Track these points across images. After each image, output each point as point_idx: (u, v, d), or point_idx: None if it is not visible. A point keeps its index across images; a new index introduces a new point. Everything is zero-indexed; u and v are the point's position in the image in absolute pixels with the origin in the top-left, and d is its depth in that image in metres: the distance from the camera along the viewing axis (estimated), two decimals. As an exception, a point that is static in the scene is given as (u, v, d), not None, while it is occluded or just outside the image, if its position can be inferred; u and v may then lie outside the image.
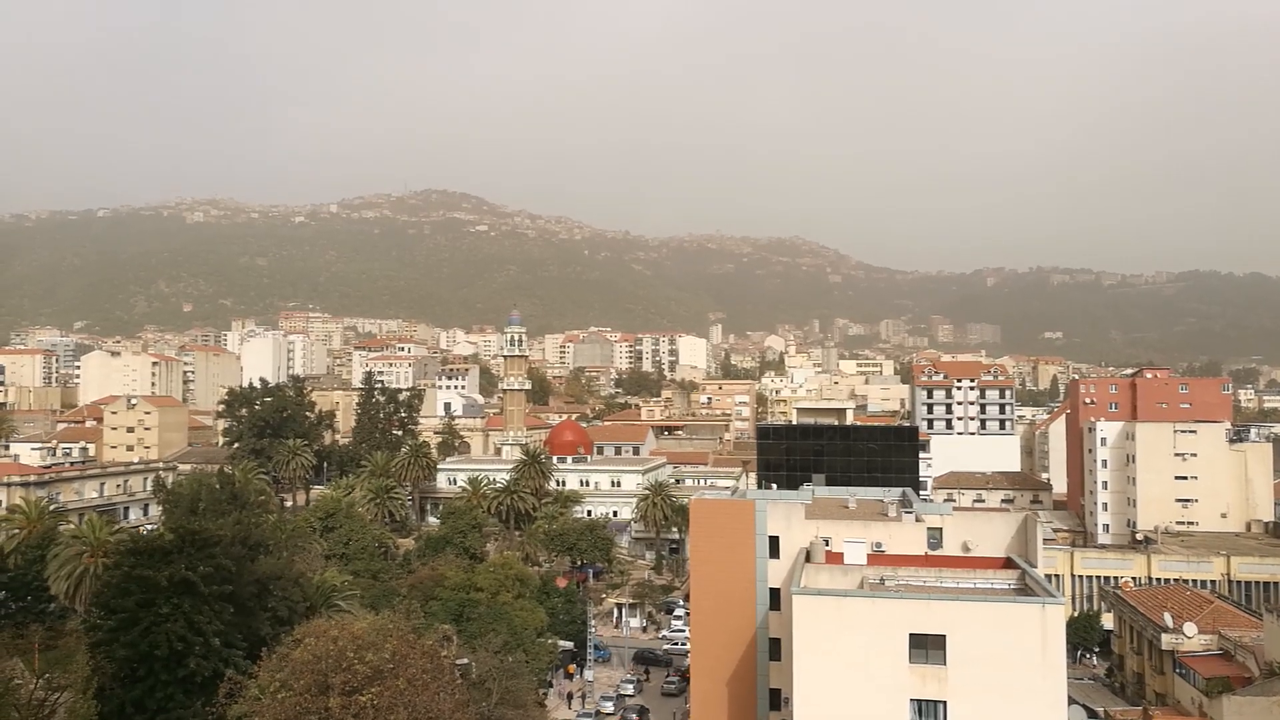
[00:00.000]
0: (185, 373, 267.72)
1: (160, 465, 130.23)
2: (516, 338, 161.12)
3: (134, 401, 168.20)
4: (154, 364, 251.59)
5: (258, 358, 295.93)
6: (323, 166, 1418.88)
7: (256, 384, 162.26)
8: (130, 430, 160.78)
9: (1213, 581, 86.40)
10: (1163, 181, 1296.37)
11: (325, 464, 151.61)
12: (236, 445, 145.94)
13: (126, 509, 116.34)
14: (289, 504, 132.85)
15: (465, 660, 56.08)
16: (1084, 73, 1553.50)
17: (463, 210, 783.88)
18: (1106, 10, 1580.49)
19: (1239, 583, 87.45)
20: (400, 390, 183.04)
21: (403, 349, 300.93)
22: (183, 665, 46.18)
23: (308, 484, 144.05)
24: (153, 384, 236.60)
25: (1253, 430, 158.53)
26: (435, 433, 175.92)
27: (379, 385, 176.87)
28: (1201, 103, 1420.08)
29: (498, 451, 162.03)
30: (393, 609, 58.90)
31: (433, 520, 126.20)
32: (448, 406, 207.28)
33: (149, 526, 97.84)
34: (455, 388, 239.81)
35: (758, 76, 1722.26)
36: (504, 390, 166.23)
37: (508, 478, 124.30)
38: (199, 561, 49.40)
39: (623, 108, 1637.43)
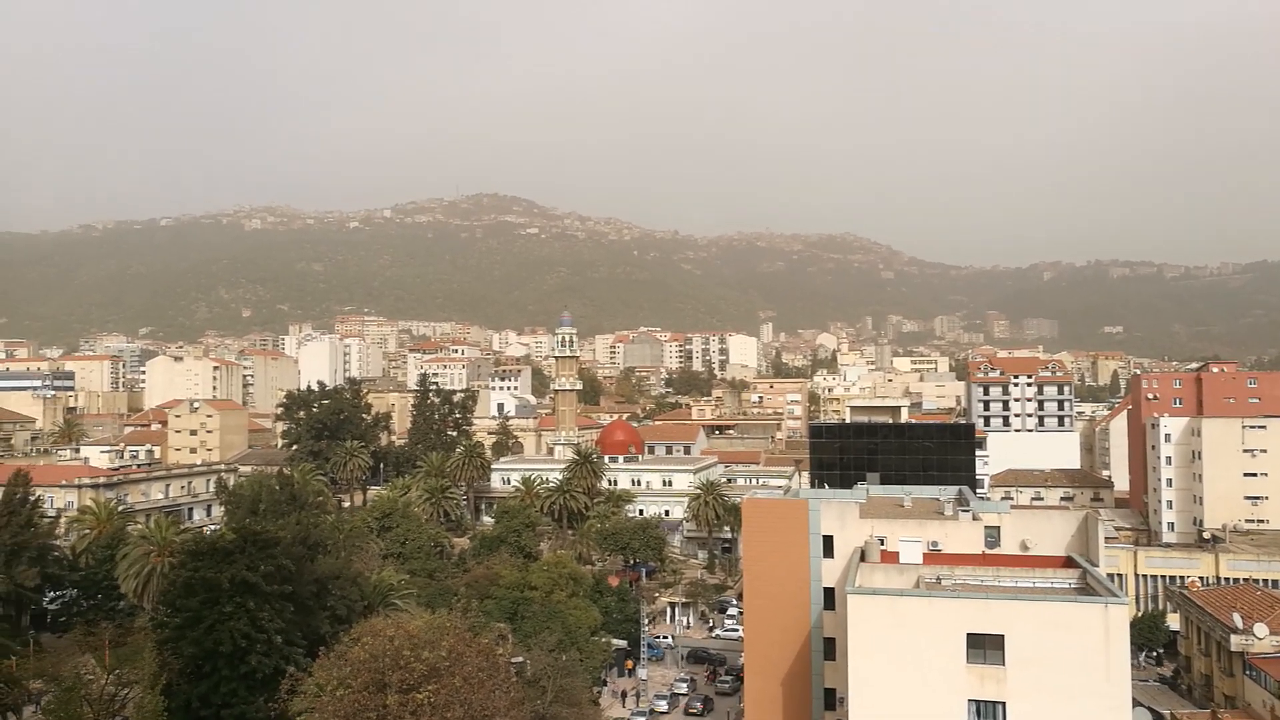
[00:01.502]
0: (245, 376, 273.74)
1: (222, 467, 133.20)
2: (567, 339, 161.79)
3: (196, 405, 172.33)
4: (215, 368, 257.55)
5: (315, 361, 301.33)
6: (375, 172, 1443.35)
7: (314, 387, 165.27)
8: (193, 433, 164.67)
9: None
10: (1225, 167, 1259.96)
11: (382, 465, 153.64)
12: (295, 447, 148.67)
13: (190, 510, 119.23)
14: (346, 504, 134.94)
15: (520, 658, 56.47)
16: (1140, 53, 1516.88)
17: (513, 213, 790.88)
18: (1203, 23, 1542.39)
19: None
20: (454, 391, 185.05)
21: (456, 351, 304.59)
22: (245, 662, 47.27)
23: (364, 485, 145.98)
24: (214, 388, 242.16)
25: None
26: (489, 433, 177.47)
27: (433, 387, 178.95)
28: (1260, 83, 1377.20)
29: (550, 451, 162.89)
30: (449, 608, 59.60)
31: (487, 520, 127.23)
32: (500, 407, 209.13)
33: (212, 526, 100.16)
34: (508, 388, 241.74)
35: (800, 71, 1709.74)
36: (555, 391, 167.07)
37: (560, 477, 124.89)
38: (260, 561, 50.51)
39: (670, 106, 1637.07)
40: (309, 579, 55.01)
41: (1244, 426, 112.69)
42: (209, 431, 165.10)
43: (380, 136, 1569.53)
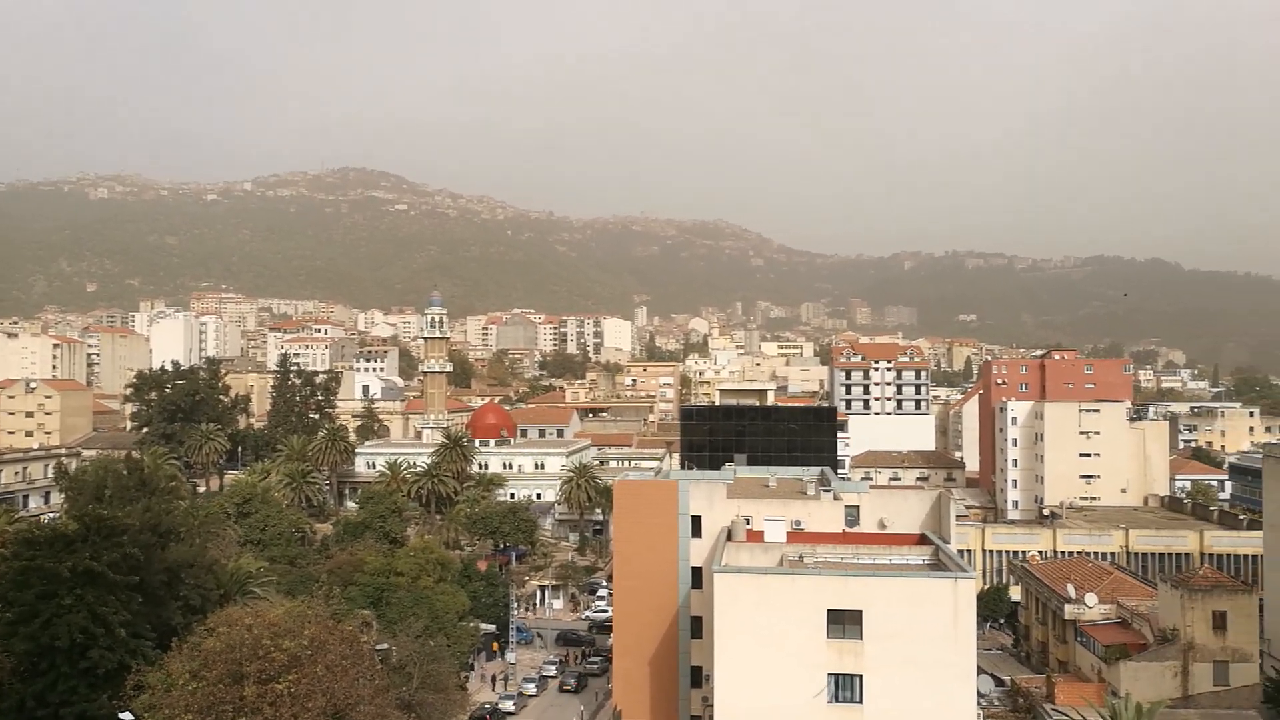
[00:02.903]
0: (89, 355, 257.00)
1: (63, 451, 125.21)
2: (437, 319, 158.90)
3: (33, 385, 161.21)
4: (55, 346, 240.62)
5: (168, 340, 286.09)
6: (235, 142, 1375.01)
7: (167, 367, 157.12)
8: (29, 415, 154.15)
9: (1112, 554, 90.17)
10: (1072, 172, 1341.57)
11: (240, 448, 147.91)
12: (146, 430, 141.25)
13: (26, 497, 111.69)
14: (202, 490, 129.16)
15: (385, 645, 55.44)
16: (998, 59, 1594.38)
17: (382, 189, 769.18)
18: (1032, 14, 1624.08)
19: (1136, 554, 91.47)
20: (317, 373, 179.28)
21: (319, 331, 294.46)
22: (86, 658, 44.59)
23: (221, 469, 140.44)
24: (54, 367, 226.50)
25: (1151, 409, 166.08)
26: (353, 416, 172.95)
27: (295, 368, 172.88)
28: (1108, 104, 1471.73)
29: (418, 435, 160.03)
30: (311, 595, 57.81)
31: (351, 505, 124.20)
32: (366, 389, 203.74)
33: (50, 515, 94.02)
34: (374, 370, 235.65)
35: (684, 60, 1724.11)
36: (424, 373, 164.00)
37: (428, 461, 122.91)
38: (104, 550, 47.64)
39: (547, 88, 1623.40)
40: (159, 568, 52.25)
41: (1080, 410, 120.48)
42: (47, 413, 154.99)
43: (240, 106, 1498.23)
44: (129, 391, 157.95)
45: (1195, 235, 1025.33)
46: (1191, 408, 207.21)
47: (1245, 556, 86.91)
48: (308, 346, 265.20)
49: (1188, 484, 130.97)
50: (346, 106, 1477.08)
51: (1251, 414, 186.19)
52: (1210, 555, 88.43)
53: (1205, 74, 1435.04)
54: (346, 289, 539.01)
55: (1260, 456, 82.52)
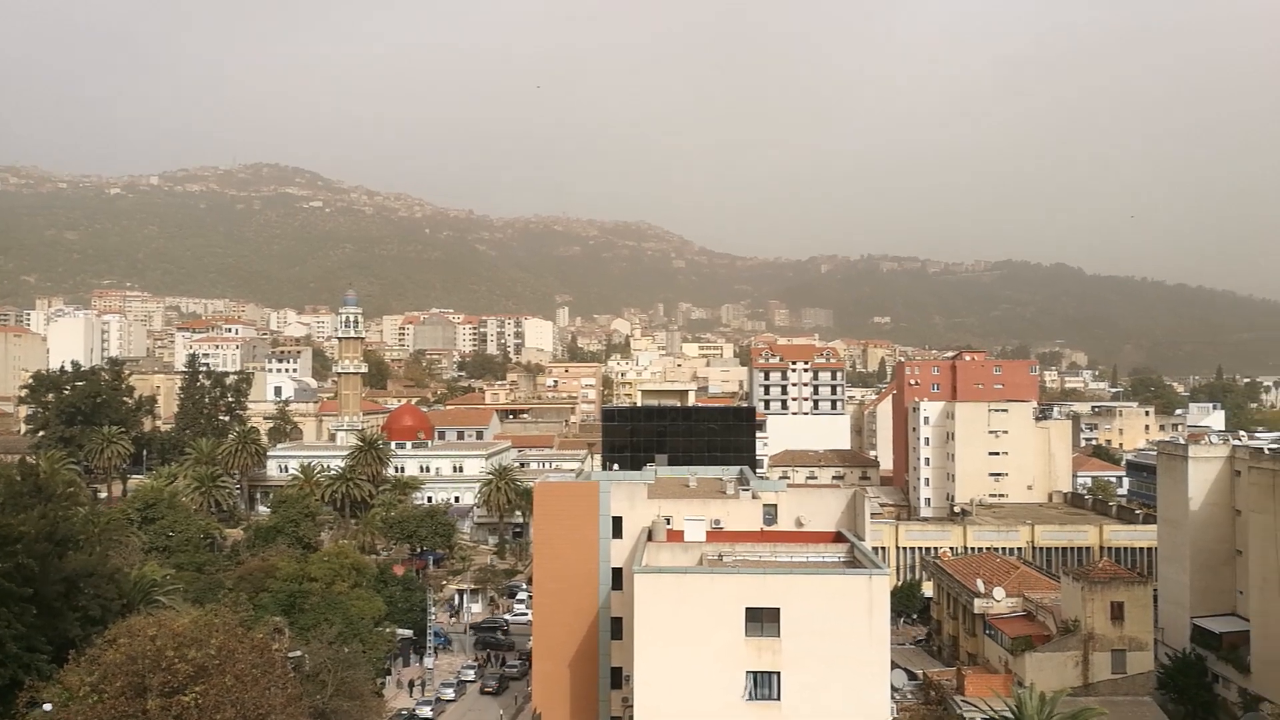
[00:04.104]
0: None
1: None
2: (352, 319, 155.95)
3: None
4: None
5: (67, 339, 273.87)
6: (140, 136, 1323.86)
7: (66, 367, 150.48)
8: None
9: (1019, 549, 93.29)
10: (982, 178, 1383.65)
11: (145, 452, 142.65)
12: (42, 434, 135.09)
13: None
14: (103, 495, 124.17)
15: (298, 652, 54.13)
16: (914, 66, 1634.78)
17: (296, 185, 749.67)
18: (946, 30, 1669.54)
19: (1041, 549, 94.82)
20: (227, 374, 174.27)
21: (230, 330, 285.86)
22: (-25, 673, 42.41)
23: (125, 474, 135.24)
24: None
25: (1055, 409, 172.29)
26: (265, 418, 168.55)
27: (204, 368, 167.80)
28: (1018, 115, 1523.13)
29: (332, 438, 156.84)
30: (219, 603, 56.09)
31: (263, 509, 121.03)
32: (278, 391, 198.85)
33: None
34: (287, 371, 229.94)
35: (605, 60, 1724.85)
36: (339, 374, 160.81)
37: (343, 464, 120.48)
38: (-5, 560, 45.40)
39: (467, 85, 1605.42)
40: (56, 578, 49.97)
41: (990, 410, 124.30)
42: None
43: (145, 98, 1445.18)
44: (24, 393, 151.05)
45: (1097, 242, 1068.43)
46: (1092, 407, 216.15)
47: (1141, 549, 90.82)
48: (218, 346, 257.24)
49: (1089, 481, 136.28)
50: (259, 101, 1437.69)
51: (1147, 413, 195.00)
52: (1109, 549, 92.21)
53: (1106, 86, 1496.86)
54: (259, 287, 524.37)
55: (1154, 454, 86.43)
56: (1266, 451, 62.77)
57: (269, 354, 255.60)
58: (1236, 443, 70.24)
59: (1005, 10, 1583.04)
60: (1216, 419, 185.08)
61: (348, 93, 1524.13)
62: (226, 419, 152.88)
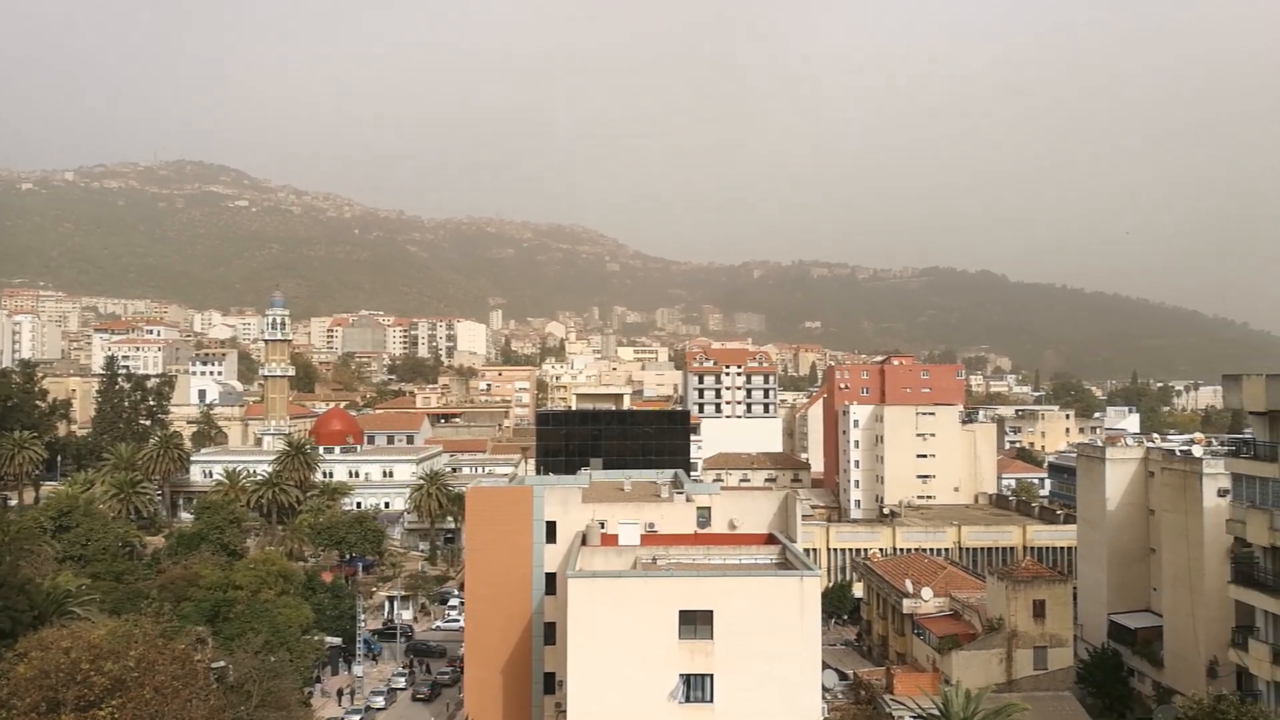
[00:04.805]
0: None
1: None
2: (279, 320, 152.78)
3: None
4: None
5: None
6: (55, 131, 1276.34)
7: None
8: None
9: (947, 549, 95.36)
10: (910, 188, 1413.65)
11: (60, 458, 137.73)
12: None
13: None
14: (14, 503, 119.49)
15: (222, 663, 52.66)
16: (841, 76, 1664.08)
17: (221, 184, 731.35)
18: (879, 43, 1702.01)
19: (968, 549, 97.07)
20: (148, 377, 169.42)
21: (151, 332, 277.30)
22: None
23: (37, 480, 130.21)
24: None
25: (980, 412, 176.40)
26: (189, 422, 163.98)
27: (123, 371, 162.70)
28: (945, 127, 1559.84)
29: (258, 442, 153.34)
30: (139, 613, 54.33)
31: (186, 516, 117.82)
32: (202, 394, 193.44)
33: None
34: (211, 374, 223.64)
35: (539, 62, 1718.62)
36: (265, 377, 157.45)
37: (269, 470, 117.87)
38: (-104, 571, 43.31)
39: (397, 83, 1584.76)
40: (-38, 590, 47.98)
41: (917, 413, 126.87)
42: None
43: (60, 91, 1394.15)
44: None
45: (1020, 249, 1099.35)
46: (1016, 411, 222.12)
47: (1062, 549, 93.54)
48: (138, 348, 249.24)
49: (1013, 482, 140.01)
50: (181, 96, 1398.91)
51: (1068, 416, 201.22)
52: (1032, 548, 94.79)
53: (1026, 95, 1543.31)
54: (182, 288, 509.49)
55: (1074, 456, 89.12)
56: (1177, 453, 65.14)
57: (192, 356, 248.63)
58: (1150, 445, 72.78)
59: (912, 33, 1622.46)
60: (1132, 422, 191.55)
61: (275, 91, 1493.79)
62: (148, 423, 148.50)
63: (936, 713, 41.41)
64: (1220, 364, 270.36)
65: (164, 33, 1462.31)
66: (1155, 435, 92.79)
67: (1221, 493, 55.80)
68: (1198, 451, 62.59)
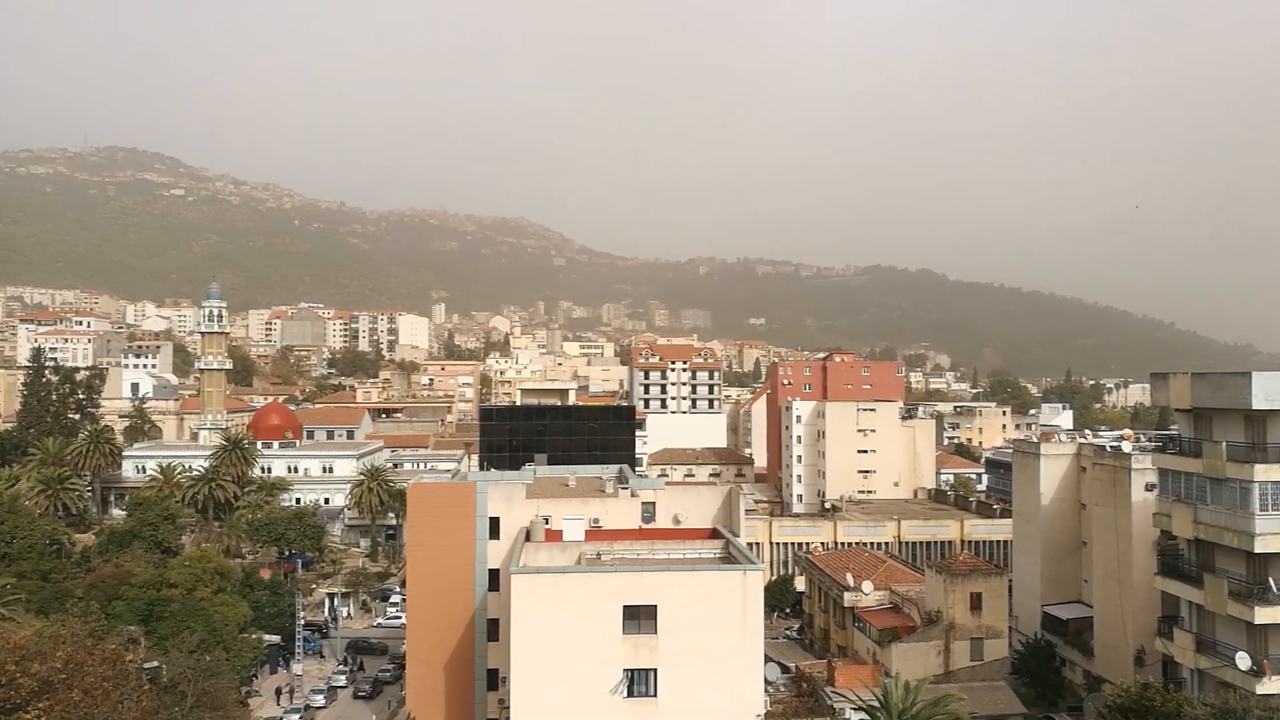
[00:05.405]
0: None
1: None
2: (216, 312, 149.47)
3: None
4: None
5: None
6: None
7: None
8: None
9: (886, 543, 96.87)
10: (849, 177, 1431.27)
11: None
12: None
13: None
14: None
15: (155, 663, 51.46)
16: (786, 80, 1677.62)
17: (155, 171, 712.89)
18: (827, 44, 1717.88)
19: (907, 543, 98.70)
20: (78, 369, 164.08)
21: (81, 323, 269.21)
22: None
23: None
24: None
25: (920, 409, 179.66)
26: (121, 416, 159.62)
27: (51, 363, 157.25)
28: (886, 126, 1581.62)
29: (194, 437, 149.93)
30: (67, 613, 52.77)
31: (118, 513, 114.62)
32: (135, 387, 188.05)
33: None
34: (145, 367, 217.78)
35: (481, 53, 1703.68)
36: (202, 370, 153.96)
37: (206, 465, 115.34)
38: None
39: (338, 73, 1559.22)
40: (-122, 590, 46.13)
41: (858, 409, 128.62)
42: None
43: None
44: None
45: (960, 248, 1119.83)
46: (954, 407, 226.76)
47: (998, 542, 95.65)
48: (67, 340, 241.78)
49: (951, 477, 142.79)
50: (114, 81, 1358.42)
51: (1004, 413, 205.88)
52: (969, 542, 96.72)
53: (955, 95, 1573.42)
54: (114, 278, 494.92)
55: (1011, 452, 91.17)
56: (1108, 449, 67.01)
57: (125, 349, 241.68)
58: (1082, 441, 74.73)
59: (852, 37, 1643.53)
60: (1065, 418, 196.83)
61: (213, 79, 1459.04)
62: (77, 417, 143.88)
63: (876, 704, 42.05)
64: (1149, 363, 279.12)
65: (96, 15, 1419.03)
66: (1087, 432, 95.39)
67: (1149, 487, 57.49)
68: (1127, 448, 64.46)
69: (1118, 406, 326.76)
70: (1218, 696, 43.85)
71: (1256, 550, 45.72)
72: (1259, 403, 45.63)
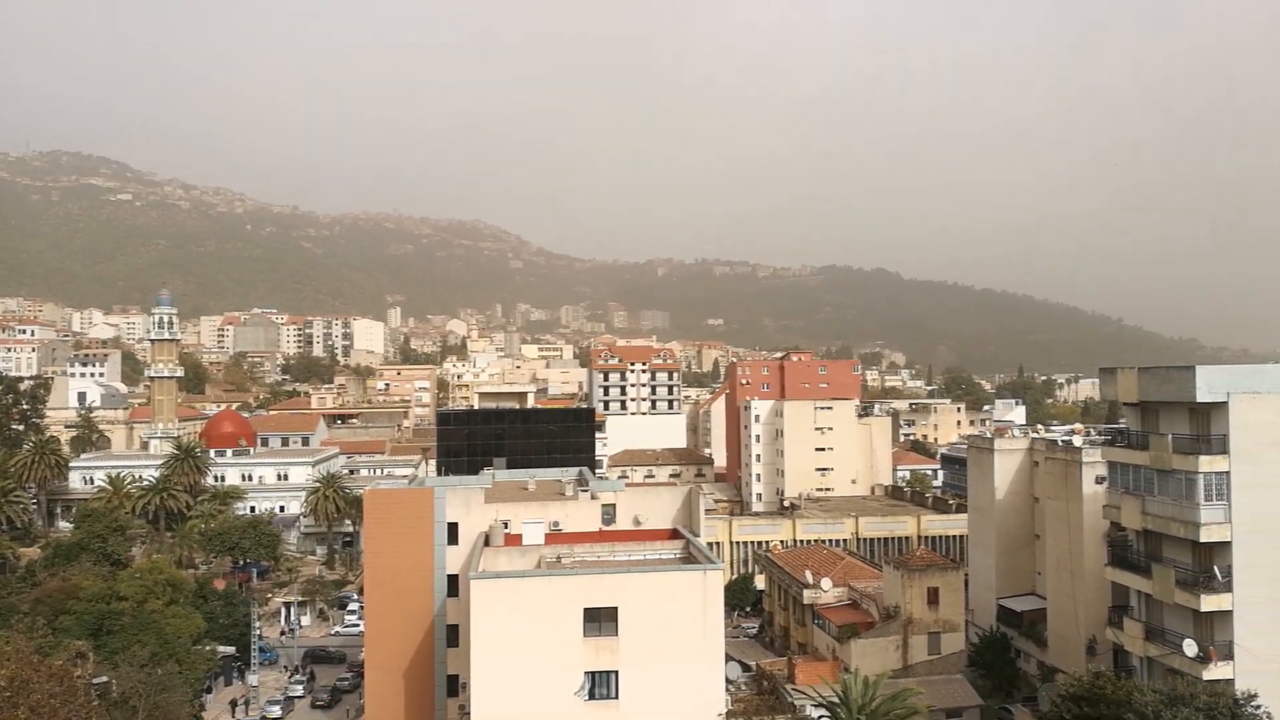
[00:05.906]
0: None
1: None
2: (166, 319, 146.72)
3: None
4: None
5: None
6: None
7: None
8: None
9: (845, 540, 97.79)
10: (804, 178, 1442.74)
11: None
12: None
13: None
14: None
15: (104, 678, 50.35)
16: (747, 81, 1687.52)
17: (101, 176, 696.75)
18: (789, 49, 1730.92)
19: (865, 539, 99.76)
20: (22, 379, 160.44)
21: (24, 331, 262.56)
22: None
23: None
24: None
25: (876, 406, 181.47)
26: (67, 426, 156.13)
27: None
28: (842, 128, 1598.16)
29: (145, 446, 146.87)
30: (11, 629, 51.47)
31: (65, 525, 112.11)
32: (82, 396, 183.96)
33: None
34: (92, 375, 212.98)
35: (437, 55, 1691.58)
36: (151, 378, 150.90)
37: (157, 474, 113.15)
38: None
39: (289, 73, 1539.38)
40: None
41: (816, 408, 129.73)
42: None
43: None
44: None
45: (913, 248, 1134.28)
46: (910, 404, 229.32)
47: (954, 537, 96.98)
48: (10, 350, 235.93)
49: (907, 474, 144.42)
50: (57, 84, 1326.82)
51: (959, 409, 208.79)
52: (926, 538, 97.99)
53: (911, 98, 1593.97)
54: (58, 286, 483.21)
55: (965, 448, 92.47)
56: (1060, 443, 68.25)
57: (71, 357, 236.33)
58: (1035, 436, 76.03)
59: (802, 39, 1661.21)
60: (1019, 414, 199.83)
61: (160, 82, 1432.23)
62: (21, 428, 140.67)
63: (836, 700, 42.36)
64: (1098, 358, 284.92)
65: (36, 16, 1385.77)
66: (1039, 426, 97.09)
67: (1099, 480, 58.61)
68: (1077, 441, 65.71)
69: (1069, 401, 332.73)
70: (1166, 683, 44.84)
71: (1201, 540, 46.78)
72: (1203, 395, 46.73)
